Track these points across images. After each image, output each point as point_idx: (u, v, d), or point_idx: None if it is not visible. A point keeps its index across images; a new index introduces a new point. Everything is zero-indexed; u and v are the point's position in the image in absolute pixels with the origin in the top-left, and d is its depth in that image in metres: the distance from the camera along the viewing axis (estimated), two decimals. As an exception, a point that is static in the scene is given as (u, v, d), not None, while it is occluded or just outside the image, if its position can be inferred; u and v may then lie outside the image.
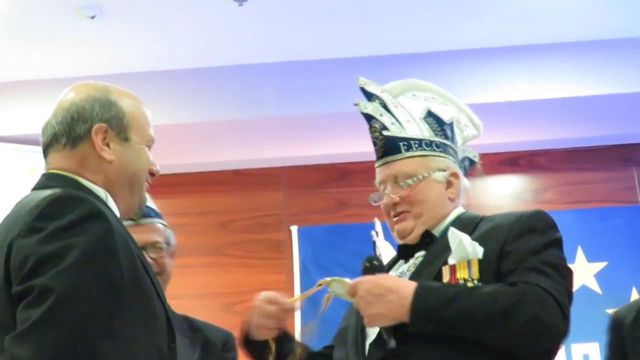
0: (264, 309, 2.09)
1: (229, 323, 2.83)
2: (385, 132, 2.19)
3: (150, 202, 2.72)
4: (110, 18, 4.49)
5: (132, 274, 1.66)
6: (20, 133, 4.97)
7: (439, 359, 1.88)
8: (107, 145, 1.80)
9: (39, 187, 1.77)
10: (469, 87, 4.82)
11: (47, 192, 1.66)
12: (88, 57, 4.83)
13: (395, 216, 2.17)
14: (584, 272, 5.15)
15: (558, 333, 1.88)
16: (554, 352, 1.92)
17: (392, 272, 2.16)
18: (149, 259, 2.58)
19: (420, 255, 2.12)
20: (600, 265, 5.24)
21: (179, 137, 5.09)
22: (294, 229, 5.56)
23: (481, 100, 4.74)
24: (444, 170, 2.18)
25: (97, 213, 1.63)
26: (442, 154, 2.20)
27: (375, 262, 2.02)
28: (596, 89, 4.93)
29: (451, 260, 1.98)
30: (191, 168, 5.66)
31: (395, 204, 2.16)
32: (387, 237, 3.81)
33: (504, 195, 5.58)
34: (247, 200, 5.70)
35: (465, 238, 1.98)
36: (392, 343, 1.92)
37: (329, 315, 2.11)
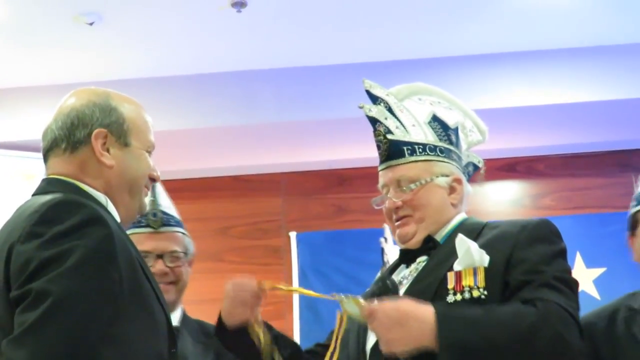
0: (236, 296, 2.07)
1: (228, 329, 2.81)
2: (389, 136, 2.19)
3: (172, 210, 2.72)
4: (109, 25, 4.49)
5: (131, 279, 1.66)
6: (18, 139, 4.97)
7: None
8: (107, 150, 1.80)
9: (39, 192, 1.77)
10: (468, 93, 4.81)
11: (47, 197, 1.66)
12: (87, 64, 4.83)
13: (397, 220, 2.17)
14: (583, 278, 5.15)
15: (579, 351, 1.89)
16: None
17: (393, 277, 2.16)
18: (165, 268, 2.58)
19: (421, 260, 2.12)
20: (599, 271, 5.24)
21: (178, 143, 5.09)
22: (293, 234, 5.56)
23: (480, 106, 4.69)
24: (447, 176, 2.18)
25: (97, 218, 1.63)
26: (445, 159, 2.19)
27: (389, 283, 2.00)
28: (595, 95, 4.93)
29: (457, 267, 1.98)
30: (190, 174, 5.66)
31: (397, 208, 2.15)
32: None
33: (503, 201, 5.59)
34: (246, 206, 5.70)
35: (473, 245, 1.98)
36: None
37: (326, 315, 2.11)
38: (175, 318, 2.63)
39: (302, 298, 5.29)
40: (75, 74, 4.76)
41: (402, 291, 2.06)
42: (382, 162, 2.22)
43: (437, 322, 1.85)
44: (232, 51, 4.88)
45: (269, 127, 5.11)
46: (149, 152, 1.88)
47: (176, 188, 5.59)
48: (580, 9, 4.53)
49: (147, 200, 2.63)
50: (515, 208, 5.56)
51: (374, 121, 2.23)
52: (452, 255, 2.01)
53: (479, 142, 2.35)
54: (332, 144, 5.34)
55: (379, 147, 2.22)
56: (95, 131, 1.79)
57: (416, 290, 2.02)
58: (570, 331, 1.87)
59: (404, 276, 2.12)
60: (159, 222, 2.62)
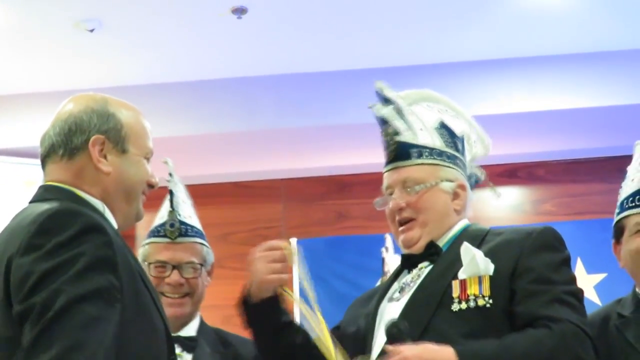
0: (270, 256, 2.11)
1: (228, 336, 2.81)
2: (398, 137, 2.19)
3: (193, 219, 2.72)
4: (109, 31, 4.50)
5: (130, 287, 1.66)
6: (19, 146, 4.97)
7: None
8: (105, 157, 1.79)
9: (36, 199, 1.76)
10: (468, 99, 4.80)
11: (45, 207, 1.65)
12: (87, 70, 4.84)
13: (400, 222, 2.16)
14: (584, 283, 5.13)
15: None
16: None
17: (395, 283, 2.16)
18: (181, 279, 2.57)
19: (423, 265, 2.12)
20: (599, 277, 5.23)
21: (178, 150, 5.08)
22: (293, 241, 5.54)
23: (480, 112, 4.70)
24: (452, 181, 2.18)
25: (95, 226, 1.62)
26: (451, 165, 2.20)
27: (402, 328, 1.98)
28: (595, 100, 4.93)
29: (462, 275, 1.99)
30: (190, 180, 5.60)
31: (400, 209, 2.15)
32: (397, 249, 3.81)
33: (503, 206, 5.57)
34: (246, 212, 5.70)
35: (479, 254, 1.99)
36: None
37: (326, 315, 2.11)
38: (193, 328, 2.63)
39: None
40: (76, 80, 4.77)
41: (405, 298, 2.06)
42: (388, 163, 2.21)
43: None
44: (232, 58, 4.88)
45: (269, 133, 5.11)
46: (147, 159, 1.87)
47: (176, 194, 5.62)
48: (580, 14, 4.54)
49: (165, 210, 2.64)
50: (516, 214, 5.56)
51: (383, 121, 2.23)
52: (456, 262, 2.02)
53: (482, 156, 2.36)
54: (332, 150, 5.34)
55: (386, 147, 2.22)
56: (93, 138, 1.78)
57: (420, 298, 2.03)
58: (587, 351, 1.90)
59: (407, 282, 2.12)
60: (176, 232, 2.63)
